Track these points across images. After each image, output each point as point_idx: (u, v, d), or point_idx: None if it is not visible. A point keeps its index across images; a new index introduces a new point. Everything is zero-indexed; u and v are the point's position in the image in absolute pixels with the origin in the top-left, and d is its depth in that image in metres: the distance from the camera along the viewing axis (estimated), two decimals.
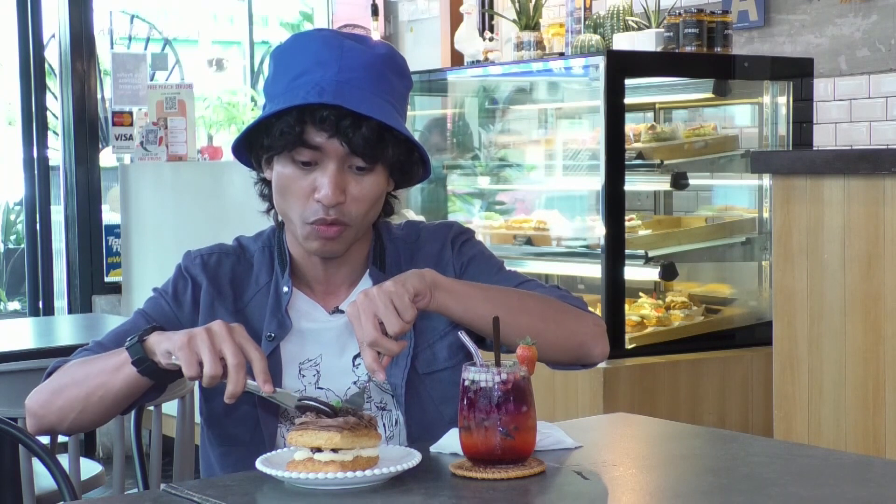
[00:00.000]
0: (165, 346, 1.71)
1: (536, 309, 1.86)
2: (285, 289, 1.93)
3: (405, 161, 1.87)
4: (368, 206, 1.86)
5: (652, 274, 4.12)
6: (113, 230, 5.89)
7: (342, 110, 1.77)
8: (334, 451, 1.56)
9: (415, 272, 1.78)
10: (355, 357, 1.92)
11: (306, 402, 1.63)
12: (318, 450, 1.56)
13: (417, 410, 1.91)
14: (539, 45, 4.63)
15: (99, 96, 6.18)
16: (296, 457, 1.58)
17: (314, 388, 1.91)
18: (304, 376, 1.91)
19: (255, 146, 1.87)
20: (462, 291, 1.81)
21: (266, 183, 1.92)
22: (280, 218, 1.94)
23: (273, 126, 1.80)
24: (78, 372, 1.83)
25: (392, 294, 1.70)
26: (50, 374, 1.89)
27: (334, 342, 1.93)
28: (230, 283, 1.95)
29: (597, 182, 4.03)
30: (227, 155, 6.31)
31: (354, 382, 1.92)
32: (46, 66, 6.00)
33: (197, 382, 1.82)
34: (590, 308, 1.96)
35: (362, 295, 1.71)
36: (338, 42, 1.82)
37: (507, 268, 2.02)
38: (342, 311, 1.93)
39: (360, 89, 1.79)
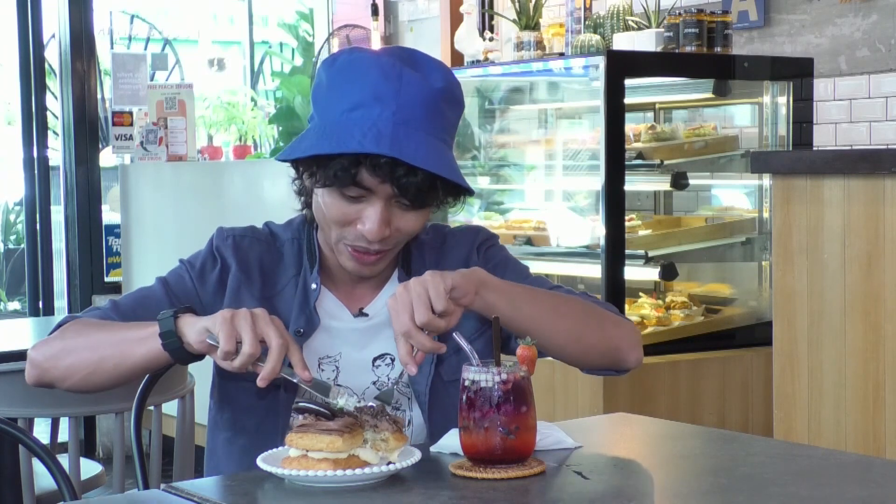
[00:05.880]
0: (204, 323, 1.70)
1: (577, 312, 1.88)
2: (314, 286, 1.93)
3: (453, 196, 1.87)
4: (411, 235, 1.88)
5: (652, 274, 4.12)
6: (113, 230, 5.88)
7: (398, 159, 1.75)
8: None
9: (462, 270, 1.78)
10: (375, 359, 1.93)
11: (303, 404, 1.63)
12: None
13: (441, 417, 1.91)
14: (539, 45, 4.62)
15: (99, 96, 6.18)
16: (291, 453, 1.58)
17: (333, 385, 1.91)
18: (323, 370, 1.91)
19: (300, 161, 1.84)
20: (510, 291, 1.81)
21: (304, 184, 1.90)
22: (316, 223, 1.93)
23: (327, 164, 1.78)
24: (94, 335, 1.83)
25: (427, 283, 1.70)
26: (58, 328, 1.88)
27: (356, 341, 1.93)
28: (259, 269, 1.95)
29: (597, 182, 4.03)
30: (227, 155, 6.31)
31: (374, 383, 1.93)
32: (46, 66, 6.00)
33: (212, 364, 1.81)
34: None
35: (401, 287, 1.73)
36: (396, 72, 1.78)
37: (534, 273, 2.03)
38: (366, 315, 1.94)
39: (416, 131, 1.77)
